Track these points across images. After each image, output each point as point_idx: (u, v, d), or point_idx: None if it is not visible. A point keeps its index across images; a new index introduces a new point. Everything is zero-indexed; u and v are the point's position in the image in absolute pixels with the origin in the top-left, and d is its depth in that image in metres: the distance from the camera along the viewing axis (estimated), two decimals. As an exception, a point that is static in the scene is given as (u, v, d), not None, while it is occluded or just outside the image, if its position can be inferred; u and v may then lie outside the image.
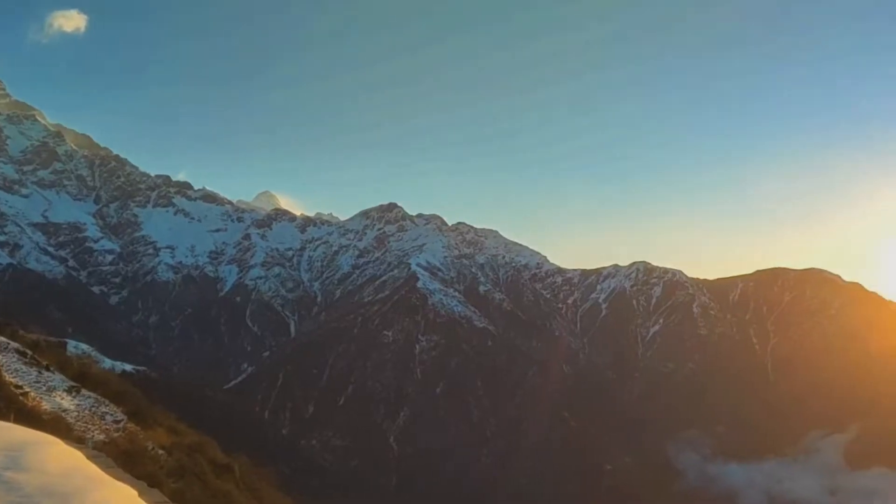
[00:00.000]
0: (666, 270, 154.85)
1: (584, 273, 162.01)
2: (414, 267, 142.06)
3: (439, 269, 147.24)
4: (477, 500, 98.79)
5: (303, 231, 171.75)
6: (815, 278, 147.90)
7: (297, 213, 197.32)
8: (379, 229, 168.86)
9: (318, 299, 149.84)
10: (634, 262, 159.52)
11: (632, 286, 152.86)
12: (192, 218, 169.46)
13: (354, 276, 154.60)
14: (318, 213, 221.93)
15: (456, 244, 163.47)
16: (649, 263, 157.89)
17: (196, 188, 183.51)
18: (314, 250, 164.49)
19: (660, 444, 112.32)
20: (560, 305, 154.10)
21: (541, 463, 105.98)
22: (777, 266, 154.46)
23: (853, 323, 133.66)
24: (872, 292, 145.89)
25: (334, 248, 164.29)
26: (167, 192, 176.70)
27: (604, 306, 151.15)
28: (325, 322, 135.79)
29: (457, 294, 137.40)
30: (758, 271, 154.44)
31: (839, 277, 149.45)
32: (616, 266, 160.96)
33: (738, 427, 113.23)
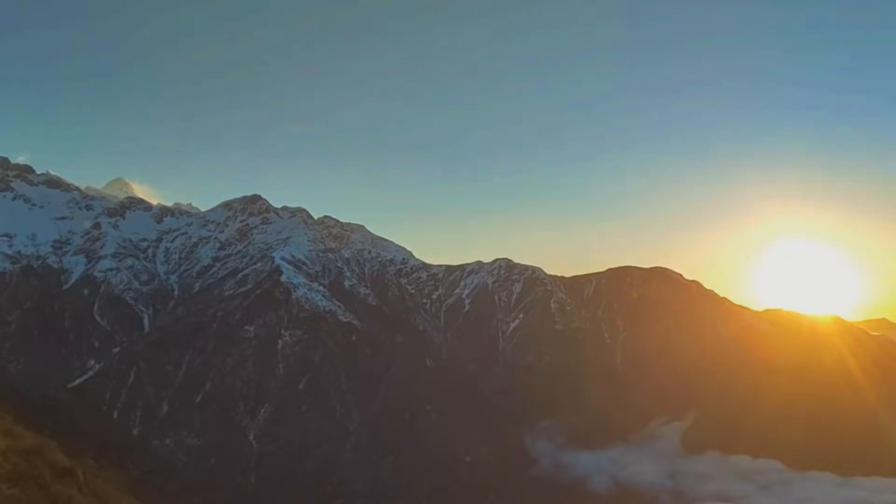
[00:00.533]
0: (526, 267, 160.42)
1: (449, 269, 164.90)
2: (278, 260, 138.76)
3: (304, 263, 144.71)
4: (339, 495, 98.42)
5: (159, 221, 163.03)
6: (660, 276, 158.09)
7: (154, 202, 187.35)
8: (242, 221, 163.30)
9: (175, 293, 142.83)
10: (497, 259, 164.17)
11: (494, 282, 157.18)
12: (34, 204, 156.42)
13: (215, 268, 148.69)
14: (176, 203, 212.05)
15: (322, 238, 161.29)
16: (511, 260, 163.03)
17: (38, 172, 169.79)
18: (171, 241, 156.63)
19: (517, 434, 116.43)
20: (424, 300, 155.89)
21: (403, 456, 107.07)
22: (627, 265, 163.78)
23: (692, 318, 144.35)
24: (709, 290, 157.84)
25: (194, 240, 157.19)
26: (5, 175, 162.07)
27: (467, 301, 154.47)
28: (182, 316, 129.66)
29: (321, 288, 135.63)
30: (609, 269, 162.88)
31: (681, 276, 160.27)
32: (479, 262, 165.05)
33: (590, 417, 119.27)
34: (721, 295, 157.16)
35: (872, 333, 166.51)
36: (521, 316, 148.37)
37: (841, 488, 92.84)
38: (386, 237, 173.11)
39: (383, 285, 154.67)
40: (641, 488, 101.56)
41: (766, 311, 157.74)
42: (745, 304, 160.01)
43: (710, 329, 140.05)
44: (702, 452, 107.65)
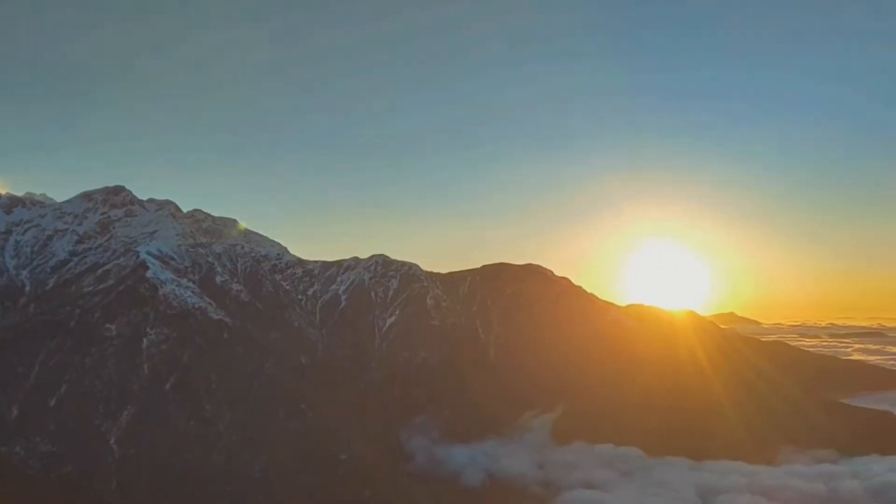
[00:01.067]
0: (403, 264, 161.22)
1: (325, 265, 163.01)
2: (143, 255, 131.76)
3: (172, 258, 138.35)
4: (208, 497, 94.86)
5: (8, 212, 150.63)
6: (533, 273, 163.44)
7: (2, 191, 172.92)
8: (103, 213, 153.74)
9: (27, 289, 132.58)
10: (374, 255, 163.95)
11: (370, 278, 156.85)
12: None
13: (72, 263, 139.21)
14: (28, 193, 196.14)
15: (191, 232, 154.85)
16: (387, 257, 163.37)
17: None
18: (22, 234, 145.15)
19: (393, 430, 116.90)
20: (300, 297, 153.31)
21: (276, 456, 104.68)
22: (501, 262, 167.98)
23: (562, 314, 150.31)
24: (578, 286, 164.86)
25: (48, 233, 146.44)
26: None
27: (343, 298, 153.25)
28: (34, 314, 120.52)
29: (191, 284, 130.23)
30: (484, 266, 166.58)
31: (552, 273, 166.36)
32: (356, 258, 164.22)
33: (464, 411, 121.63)
34: (589, 291, 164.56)
35: (722, 326, 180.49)
36: (397, 312, 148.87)
37: (693, 472, 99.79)
38: (260, 232, 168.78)
39: (257, 281, 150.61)
40: (513, 479, 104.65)
41: (630, 306, 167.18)
42: (610, 300, 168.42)
43: (579, 324, 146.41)
44: (570, 443, 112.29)
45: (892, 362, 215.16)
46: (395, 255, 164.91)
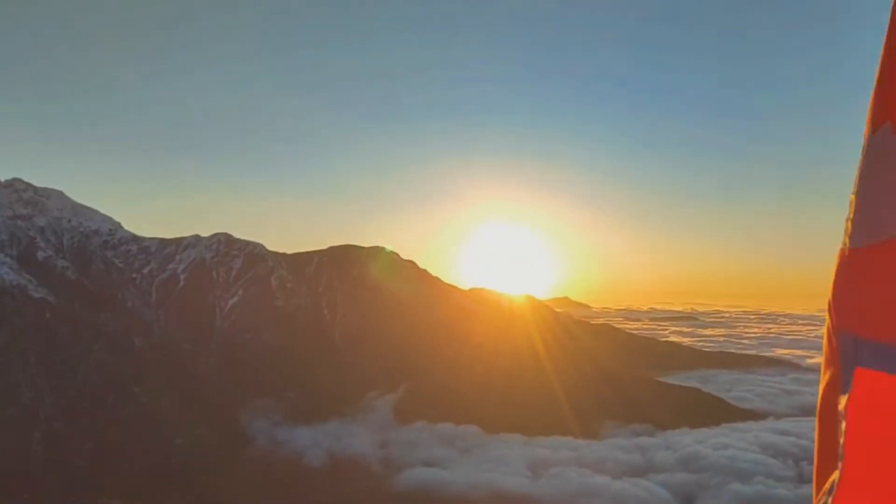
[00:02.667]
0: (247, 243, 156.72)
1: (163, 242, 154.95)
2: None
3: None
4: (28, 488, 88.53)
5: None
6: (379, 255, 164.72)
7: None
8: None
9: None
10: (216, 234, 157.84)
11: (212, 257, 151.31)
12: None
13: None
14: None
15: (10, 203, 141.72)
16: (231, 235, 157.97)
17: None
18: None
19: (234, 413, 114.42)
20: (135, 275, 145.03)
21: (105, 442, 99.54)
22: (348, 243, 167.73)
23: (407, 296, 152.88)
24: (424, 269, 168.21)
25: None
26: None
27: (182, 277, 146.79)
28: None
29: (8, 260, 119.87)
30: (331, 247, 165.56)
31: (398, 255, 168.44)
32: (197, 236, 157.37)
33: (308, 392, 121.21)
34: (434, 274, 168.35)
35: (557, 310, 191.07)
36: (240, 293, 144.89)
37: (527, 447, 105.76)
38: (90, 205, 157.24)
39: (86, 258, 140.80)
40: (355, 459, 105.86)
41: (472, 289, 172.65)
42: (454, 283, 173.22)
43: (424, 307, 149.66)
44: (411, 422, 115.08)
45: (701, 343, 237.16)
46: (239, 233, 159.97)
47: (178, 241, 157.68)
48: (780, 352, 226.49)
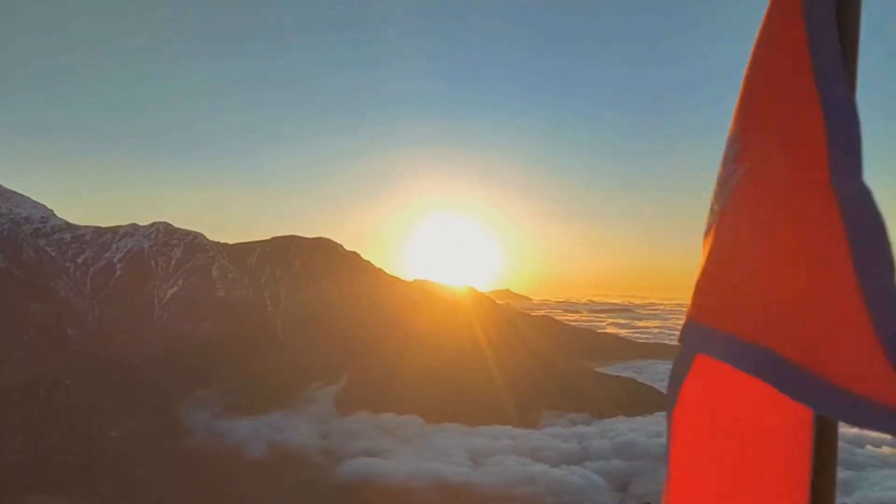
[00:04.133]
0: (187, 232, 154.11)
1: (99, 231, 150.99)
2: None
3: None
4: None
5: None
6: (323, 247, 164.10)
7: None
8: None
9: None
10: (155, 223, 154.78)
11: (151, 246, 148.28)
12: None
13: None
14: None
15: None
16: (171, 224, 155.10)
17: None
18: None
19: (173, 405, 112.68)
20: (68, 264, 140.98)
21: (36, 436, 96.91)
22: (291, 234, 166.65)
23: (351, 288, 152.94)
24: (367, 260, 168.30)
25: None
26: None
27: (119, 266, 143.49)
28: None
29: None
30: (274, 238, 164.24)
31: (341, 246, 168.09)
32: (135, 225, 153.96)
33: (249, 384, 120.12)
34: (377, 266, 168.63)
35: (498, 302, 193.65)
36: (179, 283, 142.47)
37: (468, 436, 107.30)
38: (20, 192, 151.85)
39: (16, 246, 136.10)
40: (296, 450, 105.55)
41: (415, 281, 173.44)
42: (397, 275, 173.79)
43: (367, 298, 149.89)
44: (354, 413, 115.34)
45: (637, 335, 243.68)
46: (179, 223, 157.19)
47: (114, 230, 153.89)
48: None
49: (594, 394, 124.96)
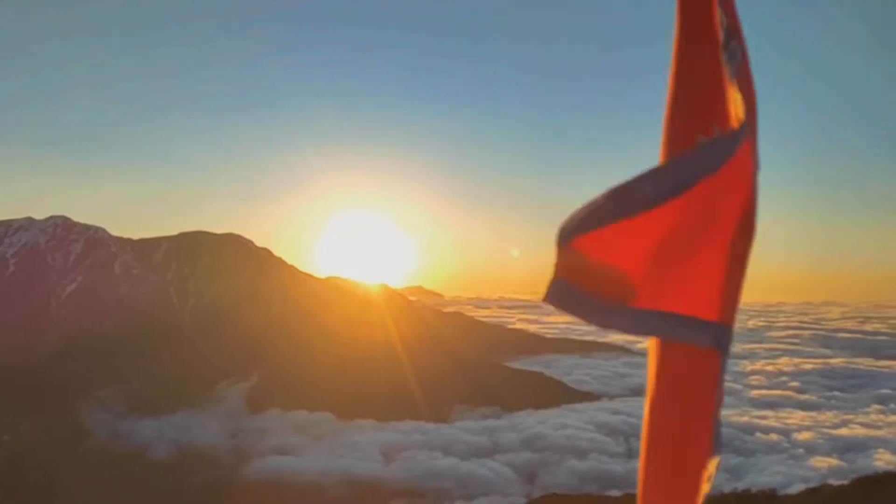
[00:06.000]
0: (88, 227, 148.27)
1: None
2: None
3: None
4: None
5: None
6: (233, 242, 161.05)
7: None
8: None
9: None
10: (52, 217, 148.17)
11: (48, 241, 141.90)
12: None
13: None
14: None
15: None
16: (69, 219, 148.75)
17: None
18: None
19: (71, 405, 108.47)
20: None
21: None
22: (199, 229, 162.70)
23: (262, 284, 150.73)
24: (279, 257, 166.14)
25: None
26: None
27: (12, 262, 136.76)
28: None
29: None
30: (181, 233, 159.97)
31: (252, 242, 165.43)
32: (30, 219, 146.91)
33: (154, 382, 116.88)
34: (290, 262, 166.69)
35: (411, 299, 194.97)
36: (79, 279, 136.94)
37: (380, 433, 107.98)
38: None
39: None
40: (203, 450, 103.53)
41: (329, 278, 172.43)
42: (310, 272, 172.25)
43: (279, 295, 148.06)
44: (264, 410, 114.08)
45: (545, 330, 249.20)
46: (79, 217, 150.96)
47: (6, 224, 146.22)
48: (615, 337, 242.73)
49: (504, 388, 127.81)
